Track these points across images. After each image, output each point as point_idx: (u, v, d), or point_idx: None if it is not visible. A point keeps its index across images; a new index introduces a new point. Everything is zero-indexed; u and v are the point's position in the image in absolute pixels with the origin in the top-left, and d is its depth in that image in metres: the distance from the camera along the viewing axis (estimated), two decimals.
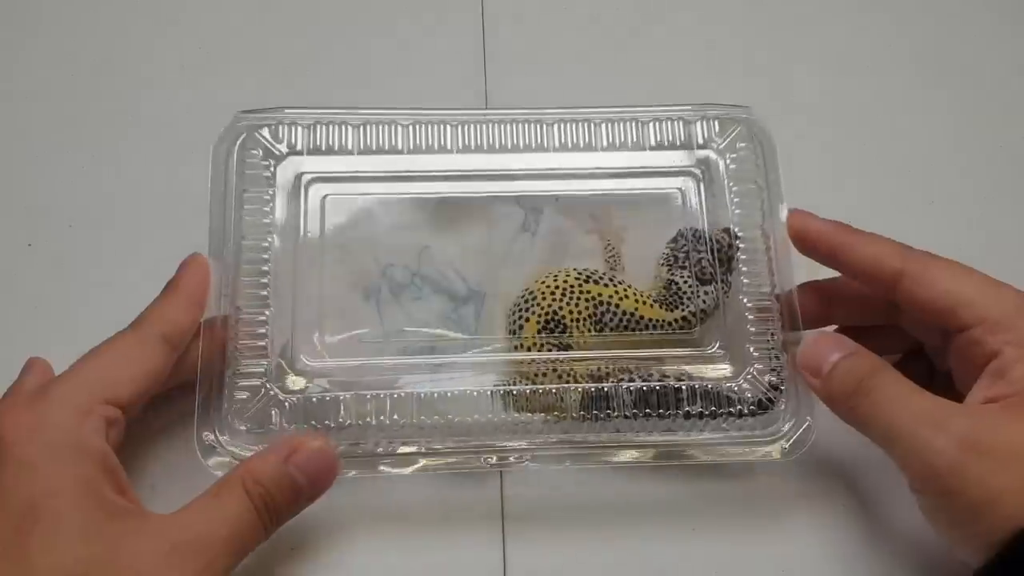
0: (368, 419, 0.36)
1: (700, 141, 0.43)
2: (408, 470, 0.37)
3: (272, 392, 0.37)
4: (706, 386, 0.38)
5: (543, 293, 0.40)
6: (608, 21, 0.56)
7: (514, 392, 0.38)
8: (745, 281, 0.40)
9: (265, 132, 0.41)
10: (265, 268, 0.39)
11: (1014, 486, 0.32)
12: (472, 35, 0.54)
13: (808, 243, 0.39)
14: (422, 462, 0.37)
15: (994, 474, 0.32)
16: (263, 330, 0.37)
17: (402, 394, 0.37)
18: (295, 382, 0.38)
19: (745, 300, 0.40)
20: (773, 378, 0.38)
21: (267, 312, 0.38)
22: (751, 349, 0.39)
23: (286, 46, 0.53)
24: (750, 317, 0.39)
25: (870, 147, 0.52)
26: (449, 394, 0.37)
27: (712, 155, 0.43)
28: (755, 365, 0.39)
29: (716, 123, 0.43)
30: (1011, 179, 0.51)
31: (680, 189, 0.43)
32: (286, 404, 0.37)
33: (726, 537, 0.40)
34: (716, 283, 0.41)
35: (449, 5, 0.55)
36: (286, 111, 0.41)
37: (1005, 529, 0.31)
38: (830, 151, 0.52)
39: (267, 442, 0.35)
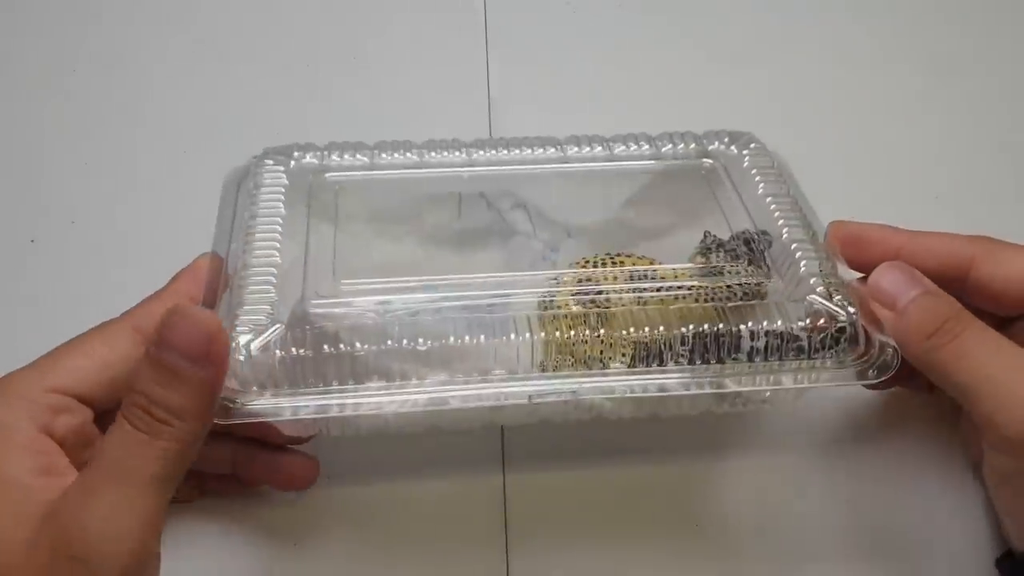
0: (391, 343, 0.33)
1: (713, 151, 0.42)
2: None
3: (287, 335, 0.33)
4: (770, 327, 0.34)
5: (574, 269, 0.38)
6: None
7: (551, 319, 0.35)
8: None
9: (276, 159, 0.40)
10: (276, 240, 0.37)
11: None
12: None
13: (867, 250, 0.36)
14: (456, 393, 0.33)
15: None
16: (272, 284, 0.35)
17: (428, 320, 0.34)
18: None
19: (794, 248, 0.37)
20: (838, 310, 0.34)
21: (275, 268, 0.36)
22: (809, 286, 0.35)
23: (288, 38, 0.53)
24: (802, 266, 0.36)
25: (874, 142, 0.52)
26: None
27: (723, 162, 0.42)
28: (815, 298, 0.35)
29: (727, 138, 0.42)
30: (1015, 175, 0.51)
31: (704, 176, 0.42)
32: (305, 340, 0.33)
33: (729, 533, 0.40)
34: (755, 262, 0.37)
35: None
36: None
37: None
38: (832, 148, 0.52)
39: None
